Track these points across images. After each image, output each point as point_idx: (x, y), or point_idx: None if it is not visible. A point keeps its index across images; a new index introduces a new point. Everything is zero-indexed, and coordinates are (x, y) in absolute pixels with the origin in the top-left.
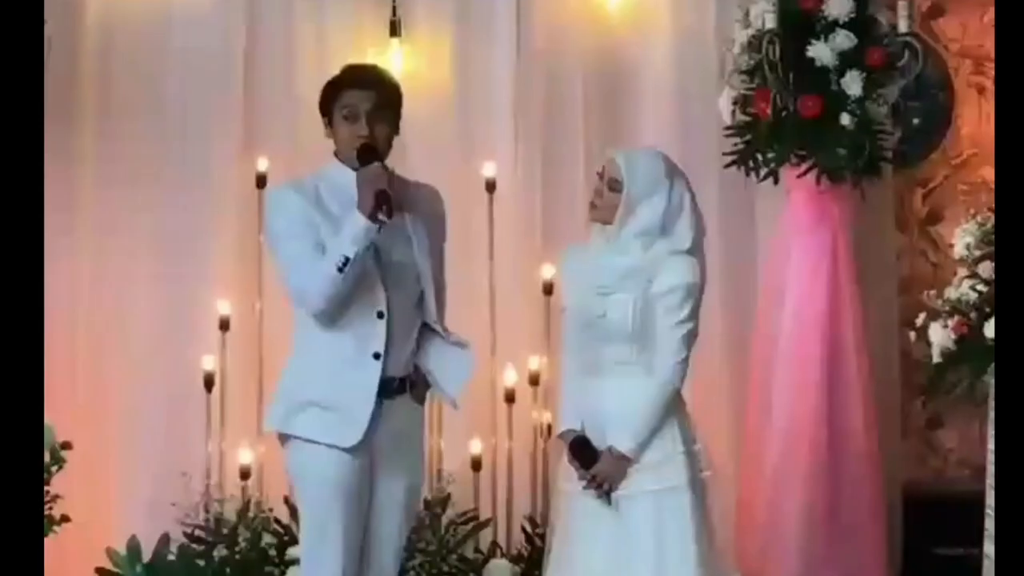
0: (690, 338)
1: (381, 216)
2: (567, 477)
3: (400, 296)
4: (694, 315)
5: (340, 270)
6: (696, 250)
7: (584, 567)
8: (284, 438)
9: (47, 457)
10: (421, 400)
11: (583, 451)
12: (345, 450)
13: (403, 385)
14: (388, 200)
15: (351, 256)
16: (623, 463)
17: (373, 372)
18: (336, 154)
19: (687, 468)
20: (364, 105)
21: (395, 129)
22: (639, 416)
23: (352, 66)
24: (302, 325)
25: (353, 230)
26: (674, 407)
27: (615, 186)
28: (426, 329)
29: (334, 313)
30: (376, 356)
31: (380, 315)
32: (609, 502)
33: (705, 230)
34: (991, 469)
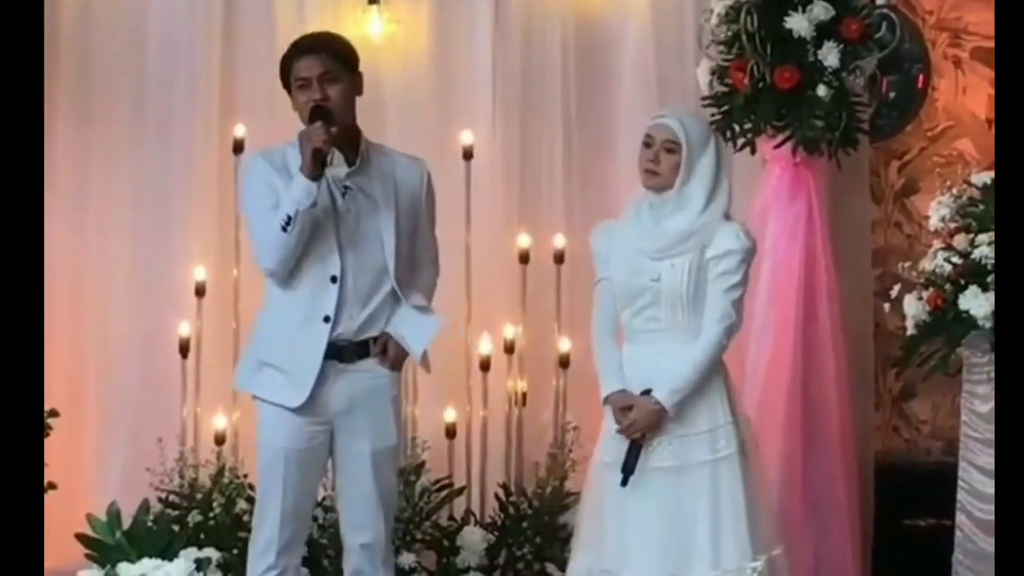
0: (740, 304)
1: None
2: (607, 449)
3: (358, 262)
4: (746, 280)
5: (284, 229)
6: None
7: (627, 542)
8: (254, 396)
9: None
10: (394, 366)
11: None
12: (295, 411)
13: (362, 349)
14: (323, 157)
15: (291, 214)
16: (657, 414)
17: (321, 335)
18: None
19: (736, 436)
20: (314, 71)
21: (354, 89)
22: (684, 372)
23: (300, 37)
24: (267, 287)
25: (294, 189)
26: (721, 374)
27: (672, 147)
28: (396, 296)
29: (287, 274)
30: (326, 319)
31: (333, 279)
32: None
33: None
34: (964, 441)
